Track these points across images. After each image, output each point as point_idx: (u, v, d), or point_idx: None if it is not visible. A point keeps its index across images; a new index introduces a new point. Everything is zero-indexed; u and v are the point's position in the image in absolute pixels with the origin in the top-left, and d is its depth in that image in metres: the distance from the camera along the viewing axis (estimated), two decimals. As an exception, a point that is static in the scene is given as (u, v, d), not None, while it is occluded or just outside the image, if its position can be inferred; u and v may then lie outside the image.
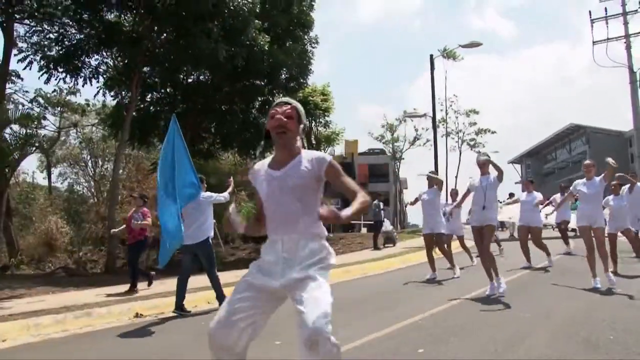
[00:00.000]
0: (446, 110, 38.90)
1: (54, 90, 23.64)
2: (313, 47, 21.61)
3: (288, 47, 19.68)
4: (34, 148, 17.76)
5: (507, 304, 7.00)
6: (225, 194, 8.15)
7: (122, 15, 17.22)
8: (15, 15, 18.73)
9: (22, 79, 20.23)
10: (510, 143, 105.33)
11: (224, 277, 8.27)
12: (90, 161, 28.40)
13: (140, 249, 10.71)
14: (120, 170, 27.92)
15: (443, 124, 38.70)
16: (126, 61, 17.00)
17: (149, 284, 10.36)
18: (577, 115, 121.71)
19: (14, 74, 20.23)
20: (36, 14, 18.69)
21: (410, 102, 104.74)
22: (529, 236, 11.21)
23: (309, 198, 2.99)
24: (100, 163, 28.90)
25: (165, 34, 16.96)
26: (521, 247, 11.21)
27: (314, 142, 24.75)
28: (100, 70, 17.33)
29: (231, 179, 8.91)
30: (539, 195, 11.38)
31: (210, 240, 7.70)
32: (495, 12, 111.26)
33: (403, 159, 40.70)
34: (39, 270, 20.04)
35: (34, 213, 22.71)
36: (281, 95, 22.62)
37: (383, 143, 41.18)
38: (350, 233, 25.83)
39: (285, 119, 3.05)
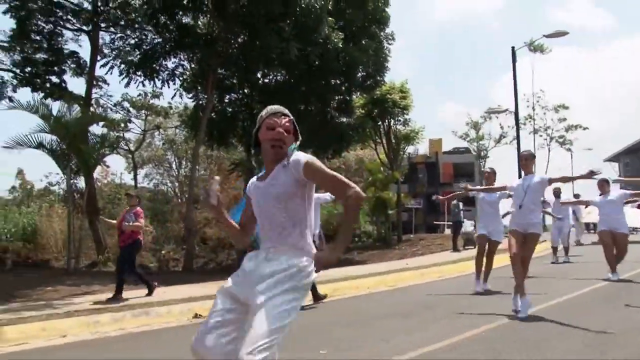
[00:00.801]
0: (533, 107, 37.09)
1: (139, 94, 24.51)
2: (389, 44, 21.10)
3: (363, 45, 19.27)
4: (111, 150, 18.30)
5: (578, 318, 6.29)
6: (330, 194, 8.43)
7: (196, 18, 17.46)
8: (101, 24, 19.61)
9: (107, 84, 20.95)
10: (606, 140, 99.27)
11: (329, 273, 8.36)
12: (174, 162, 29.29)
13: (132, 253, 9.40)
14: (202, 171, 28.74)
15: (530, 121, 36.94)
16: (201, 63, 17.23)
17: (150, 293, 8.96)
18: None
19: (100, 79, 21.16)
20: (120, 22, 19.53)
21: (495, 100, 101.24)
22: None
23: (295, 207, 2.81)
24: (184, 164, 29.76)
25: (237, 35, 17.03)
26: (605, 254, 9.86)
27: (393, 141, 24.17)
28: (177, 73, 17.69)
29: None
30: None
31: (319, 238, 8.30)
32: (586, 2, 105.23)
33: (488, 157, 39.25)
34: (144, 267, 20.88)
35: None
36: (358, 94, 22.28)
37: (467, 141, 39.85)
38: (432, 234, 25.07)
39: (285, 134, 2.88)
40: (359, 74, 20.42)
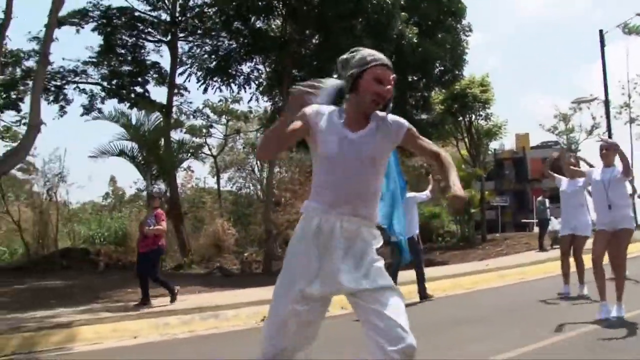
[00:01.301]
0: (629, 94, 34.67)
1: (220, 100, 25.07)
2: (467, 36, 20.40)
3: (439, 38, 18.72)
4: (189, 155, 18.79)
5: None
6: (427, 192, 9.07)
7: (269, 22, 17.59)
8: (179, 34, 20.27)
9: (188, 91, 21.59)
10: None
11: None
12: (256, 165, 29.78)
13: (155, 259, 8.76)
14: (284, 173, 29.04)
15: (626, 110, 34.62)
16: (275, 66, 17.34)
17: (173, 299, 8.39)
18: None
19: (181, 87, 21.85)
20: (198, 30, 20.10)
21: (587, 89, 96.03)
22: None
23: (381, 174, 2.60)
24: (266, 167, 30.20)
25: (310, 36, 17.00)
26: None
27: (475, 136, 23.34)
28: (252, 77, 17.89)
29: (430, 177, 10.16)
30: None
31: (417, 237, 8.55)
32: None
33: (579, 150, 37.13)
34: (207, 269, 21.41)
35: (204, 216, 24.27)
36: (436, 89, 21.65)
37: (556, 135, 37.96)
38: (519, 233, 23.99)
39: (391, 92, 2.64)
40: (437, 69, 19.88)
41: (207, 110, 24.31)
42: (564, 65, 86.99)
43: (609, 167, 6.48)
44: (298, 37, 17.02)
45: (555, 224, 16.76)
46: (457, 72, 20.35)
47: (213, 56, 17.43)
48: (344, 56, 2.80)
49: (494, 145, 49.54)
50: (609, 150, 6.49)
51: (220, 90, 17.75)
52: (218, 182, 27.34)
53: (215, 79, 17.25)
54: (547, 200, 16.49)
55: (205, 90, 17.49)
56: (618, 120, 35.73)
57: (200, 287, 11.07)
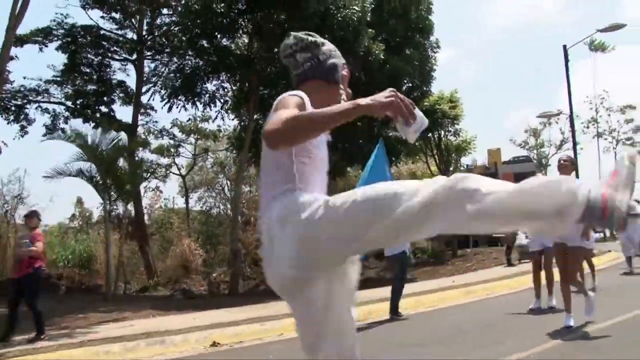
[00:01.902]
0: (596, 109, 35.24)
1: (188, 119, 24.76)
2: (435, 52, 20.48)
3: (407, 55, 18.70)
4: (149, 175, 18.39)
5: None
6: None
7: (234, 39, 17.40)
8: (146, 52, 19.98)
9: (155, 110, 21.24)
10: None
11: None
12: (226, 185, 29.42)
13: (32, 284, 7.60)
14: (254, 192, 28.70)
15: (593, 124, 35.14)
16: (240, 83, 17.14)
17: (36, 338, 7.14)
18: None
19: (148, 106, 21.48)
20: (165, 49, 19.84)
21: (559, 104, 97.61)
22: None
23: None
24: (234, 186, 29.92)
25: (275, 54, 16.85)
26: None
27: (445, 152, 23.32)
28: (217, 95, 17.62)
29: None
30: None
31: (406, 253, 8.61)
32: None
33: (549, 165, 37.54)
34: (173, 291, 20.91)
35: (172, 236, 23.79)
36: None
37: (527, 150, 38.31)
38: (490, 248, 23.90)
39: None
40: (405, 86, 19.88)
41: (176, 130, 24.00)
42: (537, 80, 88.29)
43: None
44: (264, 55, 16.88)
45: (522, 239, 16.68)
46: (425, 89, 20.39)
47: (178, 74, 17.11)
48: (303, 36, 2.59)
49: (466, 160, 49.94)
50: (566, 167, 6.37)
51: (185, 109, 17.44)
52: (187, 202, 26.92)
53: (179, 97, 16.95)
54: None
55: (170, 109, 17.17)
56: (586, 134, 36.29)
57: (157, 310, 10.64)
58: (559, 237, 6.22)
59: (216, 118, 18.48)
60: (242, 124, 18.73)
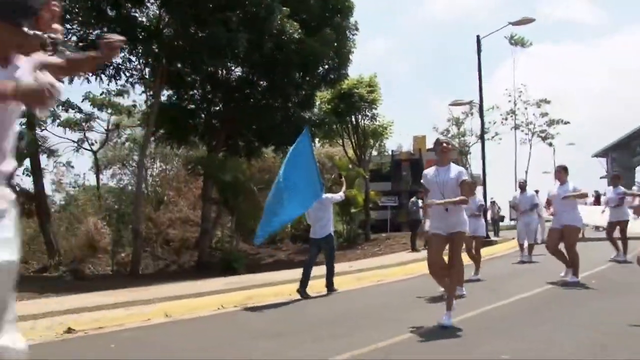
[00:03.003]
0: (514, 101, 36.38)
1: (102, 93, 23.64)
2: (353, 35, 20.28)
3: (324, 35, 18.37)
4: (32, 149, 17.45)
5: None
6: (341, 194, 9.54)
7: (142, 10, 16.62)
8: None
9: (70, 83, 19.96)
10: (596, 136, 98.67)
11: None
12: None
13: None
14: (174, 170, 27.94)
15: (512, 116, 36.23)
16: (146, 56, 16.41)
17: None
18: None
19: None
20: (65, 15, 18.62)
21: (487, 97, 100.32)
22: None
23: None
24: (155, 164, 28.91)
25: (184, 27, 16.18)
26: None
27: (362, 136, 23.33)
28: (122, 68, 16.79)
29: (342, 179, 10.74)
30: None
31: (332, 235, 9.01)
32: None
33: (470, 153, 38.50)
34: (64, 272, 20.02)
35: (77, 214, 22.79)
36: (323, 88, 21.35)
37: (449, 138, 39.06)
38: (402, 233, 24.22)
39: None
40: (321, 68, 19.63)
41: (87, 103, 22.84)
42: (468, 71, 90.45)
43: (443, 167, 6.08)
44: (174, 28, 16.22)
45: (427, 225, 16.91)
46: (342, 71, 20.19)
47: (81, 44, 16.15)
48: None
49: (392, 146, 50.60)
50: (447, 147, 6.18)
51: (89, 81, 16.53)
52: (97, 179, 25.81)
53: (80, 68, 16.03)
54: (419, 201, 16.53)
55: (72, 80, 16.20)
56: (505, 125, 37.40)
57: (34, 293, 10.00)
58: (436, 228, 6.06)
59: (121, 92, 17.56)
60: (149, 98, 17.98)
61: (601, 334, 4.97)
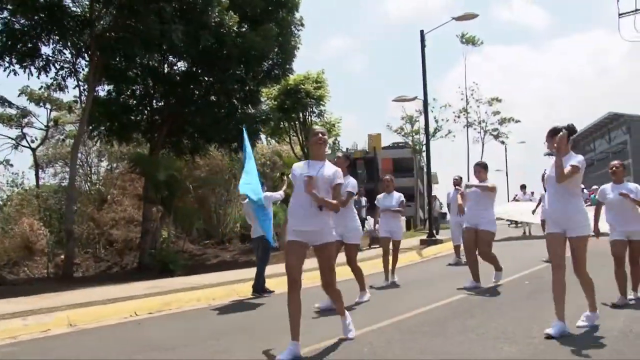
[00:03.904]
0: (467, 100, 36.61)
1: (41, 87, 22.60)
2: (299, 30, 19.81)
3: (264, 29, 17.84)
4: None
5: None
6: (281, 192, 9.35)
7: (73, -1, 15.81)
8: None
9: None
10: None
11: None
12: (86, 160, 27.36)
13: None
14: (114, 169, 26.97)
15: (464, 114, 36.42)
16: (76, 47, 15.63)
17: None
18: (616, 106, 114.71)
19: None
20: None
21: (440, 96, 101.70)
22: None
23: None
24: (103, 162, 27.90)
25: (116, 18, 15.45)
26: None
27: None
28: (52, 59, 15.93)
29: (285, 177, 10.58)
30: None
31: (269, 237, 8.59)
32: (524, 1, 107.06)
33: (424, 151, 38.52)
34: (11, 275, 19.05)
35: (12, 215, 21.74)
36: (268, 85, 20.80)
37: (402, 136, 39.09)
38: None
39: None
40: (265, 63, 19.11)
41: (23, 98, 21.82)
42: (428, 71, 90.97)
43: (318, 162, 5.23)
44: (106, 19, 15.49)
45: (371, 224, 16.62)
46: (287, 67, 19.71)
47: (4, 34, 15.25)
48: None
49: (347, 144, 50.45)
50: (322, 138, 5.19)
51: (16, 73, 15.56)
52: (37, 177, 24.75)
53: (5, 59, 15.13)
54: (363, 199, 16.27)
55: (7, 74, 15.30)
56: (457, 123, 37.60)
57: None
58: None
59: (51, 85, 16.67)
60: (81, 93, 17.18)
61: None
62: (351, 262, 7.59)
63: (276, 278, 9.30)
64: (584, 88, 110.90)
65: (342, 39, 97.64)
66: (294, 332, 4.59)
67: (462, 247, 11.95)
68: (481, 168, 8.35)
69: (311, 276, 9.91)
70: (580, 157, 5.09)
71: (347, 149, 48.42)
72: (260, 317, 6.09)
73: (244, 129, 8.72)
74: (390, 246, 9.26)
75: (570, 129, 5.06)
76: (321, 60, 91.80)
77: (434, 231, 17.54)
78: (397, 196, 9.32)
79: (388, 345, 4.77)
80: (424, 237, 17.38)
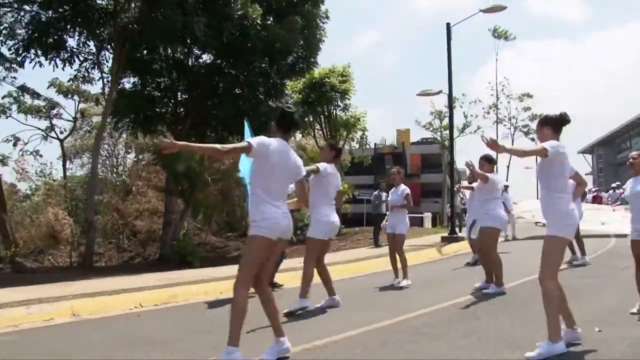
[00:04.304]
0: (497, 95, 35.87)
1: (69, 80, 22.95)
2: (324, 23, 19.62)
3: (289, 22, 17.69)
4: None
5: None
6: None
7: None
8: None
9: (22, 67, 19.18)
10: (583, 132, 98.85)
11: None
12: (114, 151, 27.72)
13: None
14: (139, 160, 27.21)
15: (494, 110, 35.74)
16: (100, 39, 15.76)
17: None
18: None
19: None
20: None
21: (471, 91, 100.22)
22: None
23: None
24: (130, 153, 28.20)
25: (140, 10, 15.50)
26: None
27: (334, 128, 22.64)
28: (75, 51, 16.11)
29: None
30: None
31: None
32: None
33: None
34: (37, 263, 19.35)
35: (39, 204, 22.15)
36: (294, 78, 20.66)
37: (431, 131, 38.56)
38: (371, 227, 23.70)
39: None
40: (290, 56, 18.98)
41: (52, 90, 22.15)
42: (459, 66, 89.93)
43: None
44: (130, 10, 15.56)
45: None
46: (312, 60, 19.55)
47: (30, 25, 15.46)
48: None
49: (375, 139, 50.15)
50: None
51: (41, 65, 15.79)
52: (64, 167, 25.15)
53: (32, 50, 15.35)
54: (383, 194, 15.92)
55: (22, 64, 15.56)
56: (487, 119, 36.94)
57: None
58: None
59: (75, 77, 16.84)
60: (105, 84, 17.34)
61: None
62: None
63: (287, 273, 9.13)
64: (623, 83, 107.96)
65: (372, 34, 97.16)
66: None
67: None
68: (484, 161, 7.82)
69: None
70: (553, 142, 4.48)
71: (375, 144, 48.18)
72: (261, 312, 5.94)
73: (245, 122, 8.09)
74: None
75: (563, 118, 4.60)
76: (350, 56, 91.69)
77: (457, 228, 17.14)
78: (402, 189, 8.57)
79: (383, 346, 4.57)
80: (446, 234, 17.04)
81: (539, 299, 4.26)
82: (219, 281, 8.73)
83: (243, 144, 4.23)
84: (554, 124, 4.56)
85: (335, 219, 6.62)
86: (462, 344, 4.55)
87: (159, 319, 6.55)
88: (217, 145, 4.20)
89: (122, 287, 8.07)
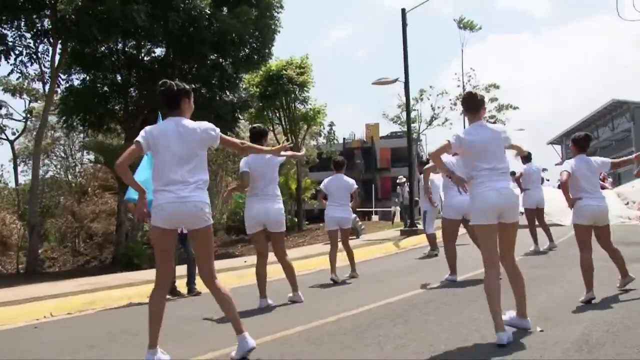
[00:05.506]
0: (463, 86, 35.53)
1: (18, 78, 21.94)
2: (277, 13, 18.95)
3: (240, 11, 16.98)
4: None
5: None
6: None
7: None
8: None
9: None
10: (551, 124, 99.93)
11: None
12: (70, 152, 26.73)
13: None
14: (94, 161, 26.26)
15: (460, 101, 35.43)
16: (36, 31, 14.92)
17: None
18: (621, 92, 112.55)
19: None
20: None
21: (440, 84, 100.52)
22: None
23: None
24: (86, 154, 27.22)
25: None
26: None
27: (293, 121, 21.90)
28: (10, 44, 15.19)
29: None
30: None
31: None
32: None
33: (420, 140, 37.63)
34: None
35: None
36: (250, 70, 19.94)
37: (399, 124, 38.05)
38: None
39: None
40: (244, 48, 18.30)
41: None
42: (428, 62, 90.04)
43: None
44: (72, 2, 14.71)
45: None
46: (266, 51, 18.88)
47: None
48: None
49: (344, 134, 49.64)
50: None
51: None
52: (15, 170, 24.14)
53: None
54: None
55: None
56: (454, 111, 36.61)
57: None
58: None
59: (11, 72, 15.96)
60: (43, 80, 16.47)
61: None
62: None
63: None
64: (588, 75, 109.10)
65: (341, 29, 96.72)
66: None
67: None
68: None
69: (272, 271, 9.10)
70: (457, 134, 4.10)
71: (344, 138, 47.69)
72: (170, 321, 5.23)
73: (159, 113, 7.40)
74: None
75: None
76: (320, 52, 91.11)
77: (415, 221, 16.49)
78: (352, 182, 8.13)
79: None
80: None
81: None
82: (144, 285, 7.99)
83: (133, 145, 3.68)
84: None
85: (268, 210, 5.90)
86: (375, 351, 3.97)
87: (59, 330, 5.82)
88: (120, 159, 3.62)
89: (34, 295, 7.37)
